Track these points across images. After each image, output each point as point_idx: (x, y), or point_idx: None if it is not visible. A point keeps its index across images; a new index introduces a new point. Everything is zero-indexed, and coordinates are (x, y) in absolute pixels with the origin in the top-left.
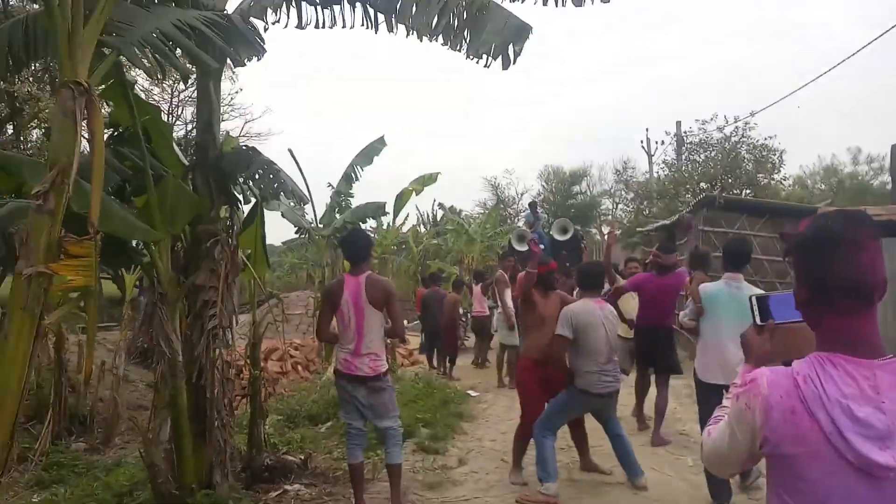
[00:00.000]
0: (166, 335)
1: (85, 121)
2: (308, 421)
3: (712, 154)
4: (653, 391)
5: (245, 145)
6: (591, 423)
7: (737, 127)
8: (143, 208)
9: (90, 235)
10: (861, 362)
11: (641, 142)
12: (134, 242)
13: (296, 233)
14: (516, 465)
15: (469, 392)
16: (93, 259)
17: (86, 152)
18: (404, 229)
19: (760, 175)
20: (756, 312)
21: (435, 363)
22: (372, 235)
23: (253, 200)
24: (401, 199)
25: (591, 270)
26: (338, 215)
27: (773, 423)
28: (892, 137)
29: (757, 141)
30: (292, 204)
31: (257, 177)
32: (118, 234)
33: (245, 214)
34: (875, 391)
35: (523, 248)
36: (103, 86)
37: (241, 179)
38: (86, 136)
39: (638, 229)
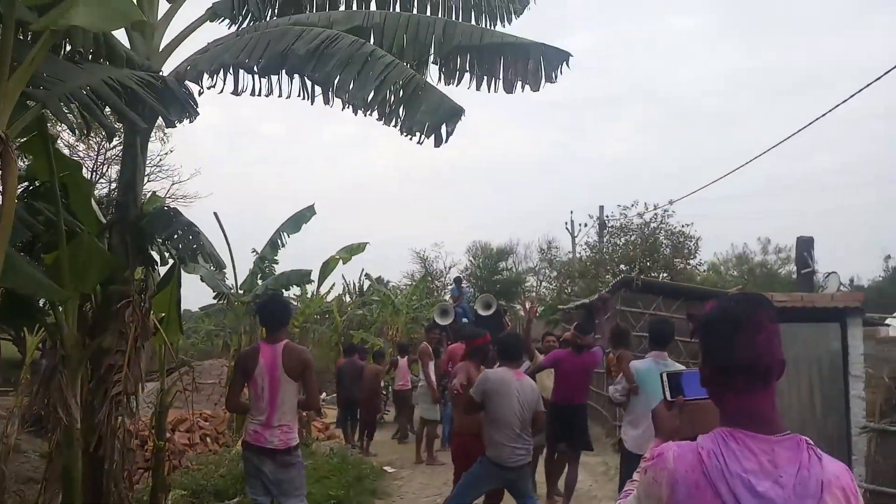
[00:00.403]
0: (64, 401)
1: None
2: (214, 497)
3: (632, 238)
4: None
5: (167, 206)
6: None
7: (656, 213)
8: (52, 265)
9: None
10: (760, 438)
11: (566, 223)
12: (40, 301)
13: (214, 297)
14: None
15: (385, 468)
16: None
17: None
18: (329, 298)
19: (677, 260)
20: (667, 388)
21: (351, 437)
22: (294, 303)
23: (170, 262)
24: (327, 268)
25: (511, 341)
26: (260, 281)
27: (678, 496)
28: (797, 230)
29: (675, 227)
30: (212, 268)
31: (176, 237)
32: (22, 291)
33: (161, 277)
34: (773, 465)
35: (446, 321)
36: (23, 139)
37: (159, 240)
38: None
39: (559, 307)
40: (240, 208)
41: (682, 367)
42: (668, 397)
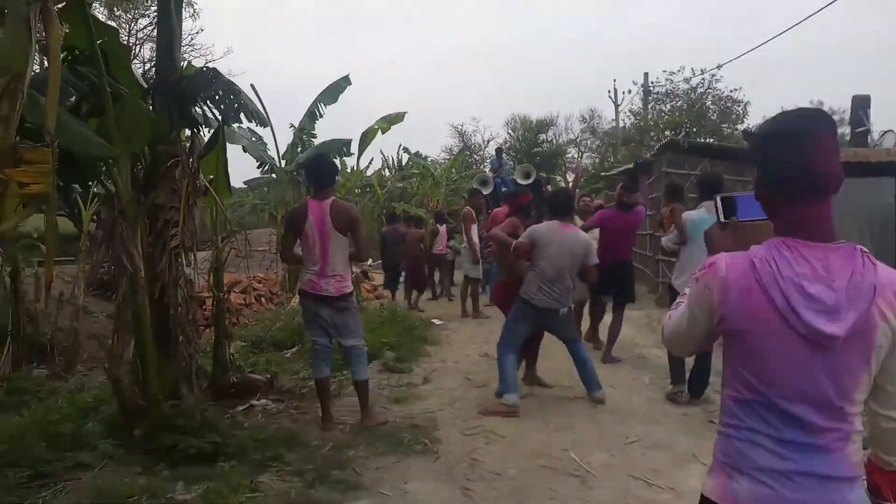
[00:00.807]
0: (128, 251)
1: (41, 31)
2: (273, 347)
3: (678, 104)
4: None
5: (206, 66)
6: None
7: (703, 79)
8: (100, 126)
9: (46, 143)
10: (815, 245)
11: (609, 92)
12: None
13: (258, 168)
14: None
15: (433, 321)
16: (50, 166)
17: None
18: (368, 173)
19: (724, 125)
20: (720, 211)
21: (396, 296)
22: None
23: (215, 125)
24: (366, 138)
25: (562, 196)
26: (300, 151)
27: (729, 301)
28: (852, 90)
29: (722, 92)
30: (254, 138)
31: (217, 97)
32: (74, 148)
33: (207, 140)
34: (826, 271)
35: (487, 191)
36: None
37: (201, 101)
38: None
39: (602, 174)
40: (271, 90)
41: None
42: (722, 219)
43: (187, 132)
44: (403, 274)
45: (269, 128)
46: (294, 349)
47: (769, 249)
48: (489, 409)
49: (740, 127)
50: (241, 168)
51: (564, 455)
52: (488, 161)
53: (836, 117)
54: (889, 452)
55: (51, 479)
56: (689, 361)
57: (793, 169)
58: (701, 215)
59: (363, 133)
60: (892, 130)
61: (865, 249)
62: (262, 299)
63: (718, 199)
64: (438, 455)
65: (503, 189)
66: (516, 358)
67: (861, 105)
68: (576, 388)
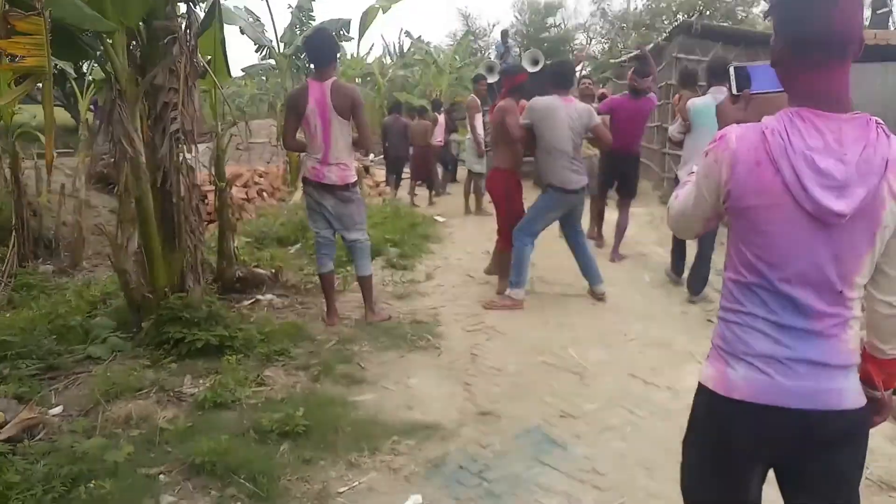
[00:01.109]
0: (128, 134)
1: None
2: (277, 243)
3: None
4: (612, 214)
5: None
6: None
7: None
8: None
9: (38, 10)
10: (829, 116)
11: None
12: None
13: (256, 51)
14: (503, 278)
15: (436, 217)
16: (43, 38)
17: None
18: (369, 60)
19: (740, 7)
20: (733, 82)
21: (402, 193)
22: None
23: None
24: (366, 19)
25: (559, 68)
26: (299, 33)
27: (737, 175)
28: None
29: None
30: (251, 19)
31: None
32: (67, 20)
33: (203, 16)
34: (839, 143)
35: (493, 79)
36: None
37: None
38: None
39: (611, 61)
40: None
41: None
42: (734, 91)
43: (182, 7)
44: (407, 167)
45: (267, 8)
46: (298, 245)
47: (781, 120)
48: (493, 302)
49: (755, 10)
50: (238, 55)
51: (564, 352)
52: (493, 47)
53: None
54: (885, 340)
55: (61, 371)
56: (690, 259)
57: (813, 27)
58: (706, 102)
59: (363, 13)
60: None
61: (881, 121)
62: (264, 194)
63: (732, 68)
64: (441, 351)
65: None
66: (532, 251)
67: None
68: (576, 284)
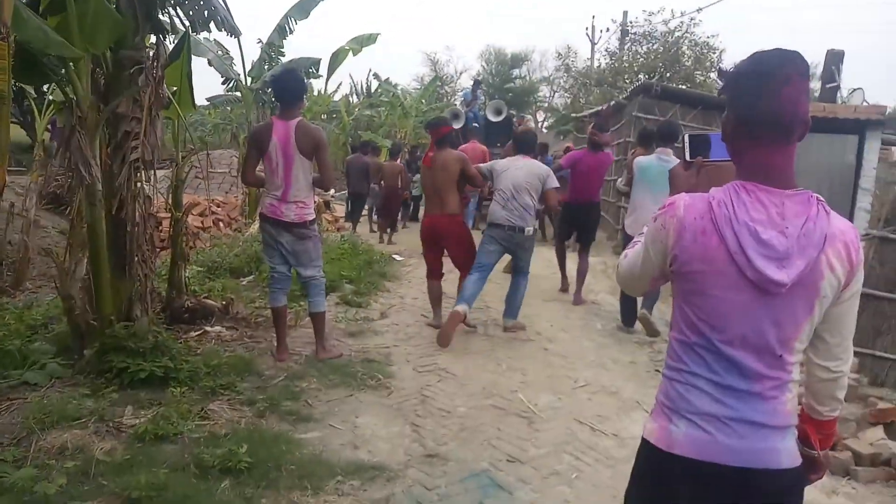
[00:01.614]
0: (86, 160)
1: None
2: (229, 273)
3: (654, 47)
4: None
5: None
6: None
7: (682, 22)
8: (61, 24)
9: (2, 35)
10: (773, 191)
11: (586, 28)
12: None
13: (222, 83)
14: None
15: (394, 256)
16: (6, 62)
17: None
18: (336, 97)
19: (698, 72)
20: (687, 149)
21: (361, 230)
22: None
23: (181, 33)
24: (336, 59)
25: (526, 136)
26: (267, 68)
27: (684, 242)
28: (825, 45)
29: (700, 38)
30: (220, 52)
31: (186, 2)
32: (32, 45)
33: (172, 47)
34: (781, 217)
35: (458, 125)
36: None
37: (168, 4)
38: None
39: (573, 115)
40: (239, 1)
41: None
42: (688, 157)
43: (152, 39)
44: (367, 206)
45: (237, 41)
46: (251, 277)
47: (728, 192)
48: (443, 330)
49: (713, 75)
50: (203, 85)
51: (513, 396)
52: (461, 94)
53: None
54: (821, 403)
55: None
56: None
57: (762, 109)
58: (650, 160)
59: (333, 53)
60: (860, 88)
61: (821, 198)
62: (221, 224)
63: (687, 136)
64: (391, 390)
65: (474, 125)
66: (481, 279)
67: (834, 60)
68: (529, 329)
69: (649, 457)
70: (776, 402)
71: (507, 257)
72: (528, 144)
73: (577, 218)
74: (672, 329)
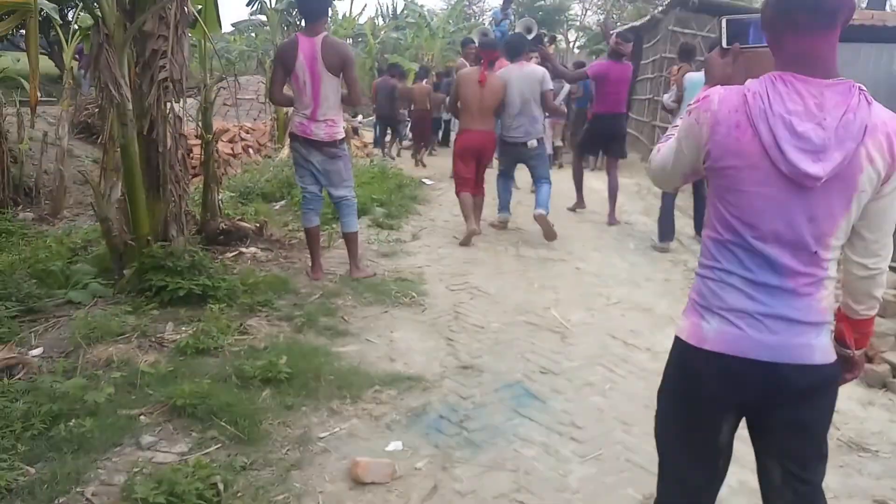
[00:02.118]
0: (114, 78)
1: None
2: (261, 198)
3: None
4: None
5: None
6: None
7: None
8: None
9: None
10: (812, 81)
11: None
12: None
13: (247, 5)
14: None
15: (424, 180)
16: None
17: None
18: (361, 20)
19: None
20: (724, 35)
21: (389, 150)
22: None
23: None
24: None
25: (511, 40)
26: None
27: (717, 136)
28: None
29: None
30: None
31: None
32: None
33: None
34: (819, 108)
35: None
36: None
37: None
38: None
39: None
40: None
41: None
42: (724, 44)
43: None
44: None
45: None
46: (283, 202)
47: (764, 83)
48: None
49: None
50: (228, 10)
51: (546, 312)
52: (490, 13)
53: None
54: (858, 301)
55: (41, 314)
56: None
57: None
58: (701, 77)
59: None
60: None
61: (864, 88)
62: (250, 150)
63: (724, 21)
64: (424, 307)
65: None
66: (509, 182)
67: None
68: (560, 249)
69: (681, 353)
70: (811, 298)
71: None
72: (514, 49)
73: (607, 130)
74: (706, 227)
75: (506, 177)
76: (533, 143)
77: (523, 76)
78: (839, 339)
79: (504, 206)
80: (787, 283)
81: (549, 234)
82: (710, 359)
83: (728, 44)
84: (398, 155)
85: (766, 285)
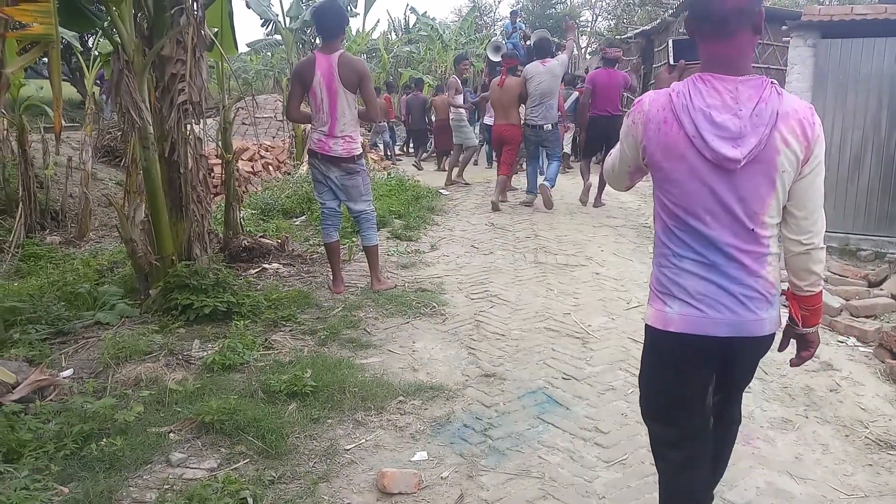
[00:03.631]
0: (135, 103)
1: None
2: (282, 214)
3: None
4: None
5: None
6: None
7: None
8: None
9: None
10: (727, 78)
11: None
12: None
13: (262, 26)
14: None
15: (441, 190)
16: (51, 5)
17: None
18: (374, 35)
19: None
20: (671, 53)
21: (416, 160)
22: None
23: None
24: None
25: (540, 41)
26: (305, 7)
27: (650, 133)
28: None
29: None
30: None
31: None
32: None
33: None
34: (735, 101)
35: (497, 58)
36: None
37: None
38: None
39: (617, 37)
40: None
41: None
42: (671, 61)
43: None
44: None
45: None
46: (303, 217)
47: (686, 84)
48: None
49: None
50: (243, 30)
51: (566, 318)
52: (500, 24)
53: None
54: (799, 277)
55: (70, 335)
56: None
57: (698, 10)
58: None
59: None
60: None
61: (775, 81)
62: (270, 168)
63: (670, 41)
64: (445, 317)
65: (517, 54)
66: (535, 166)
67: None
68: (578, 255)
69: (652, 339)
70: (757, 275)
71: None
72: (542, 49)
73: (602, 130)
74: (655, 220)
75: (534, 162)
76: (548, 126)
77: (545, 71)
78: (791, 319)
79: (532, 188)
80: (733, 261)
81: (548, 203)
82: (675, 340)
83: (675, 60)
84: (421, 168)
85: (715, 266)
